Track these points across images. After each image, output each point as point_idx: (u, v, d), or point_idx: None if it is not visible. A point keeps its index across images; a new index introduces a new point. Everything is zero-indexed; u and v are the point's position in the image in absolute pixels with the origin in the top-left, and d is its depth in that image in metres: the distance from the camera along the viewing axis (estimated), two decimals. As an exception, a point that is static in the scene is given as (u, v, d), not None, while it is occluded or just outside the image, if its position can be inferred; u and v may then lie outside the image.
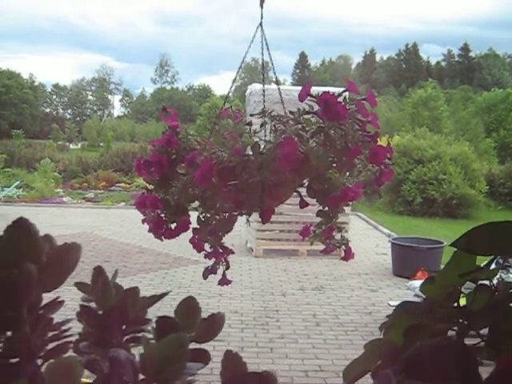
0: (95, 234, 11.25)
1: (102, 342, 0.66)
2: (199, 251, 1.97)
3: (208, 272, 2.01)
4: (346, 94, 1.76)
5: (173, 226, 1.89)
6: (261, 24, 2.82)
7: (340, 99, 1.68)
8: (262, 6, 2.71)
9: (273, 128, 1.76)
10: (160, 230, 1.87)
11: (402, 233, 11.21)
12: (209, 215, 1.88)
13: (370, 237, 11.82)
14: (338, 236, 2.11)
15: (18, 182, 18.37)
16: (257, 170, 1.58)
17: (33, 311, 0.62)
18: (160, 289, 7.54)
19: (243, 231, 10.28)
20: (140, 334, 0.64)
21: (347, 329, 6.17)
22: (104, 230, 11.89)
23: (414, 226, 13.42)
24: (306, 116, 1.71)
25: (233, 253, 2.05)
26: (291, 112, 1.77)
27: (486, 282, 0.75)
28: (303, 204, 1.78)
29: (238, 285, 7.57)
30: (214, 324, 0.71)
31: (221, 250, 1.98)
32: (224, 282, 2.07)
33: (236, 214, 1.81)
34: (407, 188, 15.66)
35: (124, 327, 0.65)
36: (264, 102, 2.60)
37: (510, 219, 0.72)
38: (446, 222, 14.48)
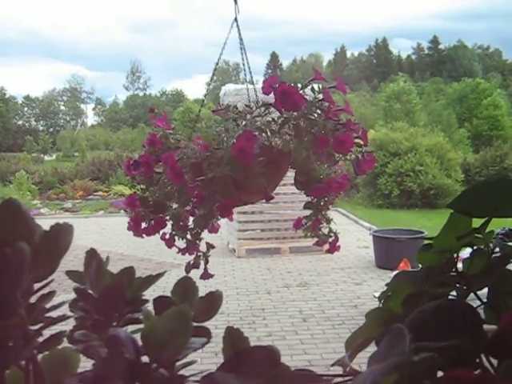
0: (76, 244, 10.91)
1: (98, 326, 0.64)
2: (169, 247, 1.97)
3: (190, 267, 2.01)
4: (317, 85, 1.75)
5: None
6: (236, 19, 2.81)
7: (309, 89, 1.68)
8: (236, 1, 2.71)
9: (233, 123, 1.76)
10: (138, 227, 1.87)
11: (383, 225, 11.27)
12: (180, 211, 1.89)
13: (350, 231, 11.86)
14: (326, 229, 2.10)
15: (-7, 196, 18.10)
16: (217, 165, 1.58)
17: (26, 297, 0.60)
18: (145, 294, 7.48)
19: (224, 232, 10.25)
20: (138, 315, 0.63)
21: (334, 323, 6.18)
22: (84, 239, 11.76)
23: (393, 219, 13.50)
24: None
25: (213, 247, 2.06)
26: (247, 105, 1.77)
27: (482, 247, 0.75)
28: (267, 198, 1.77)
29: (223, 286, 7.53)
30: (212, 303, 0.70)
31: (195, 245, 1.97)
32: (205, 276, 2.05)
33: (201, 208, 1.81)
34: (383, 181, 15.77)
35: (121, 308, 0.64)
36: (251, 96, 2.58)
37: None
38: (425, 213, 14.59)
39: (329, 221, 2.06)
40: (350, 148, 1.66)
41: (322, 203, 1.96)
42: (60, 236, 0.58)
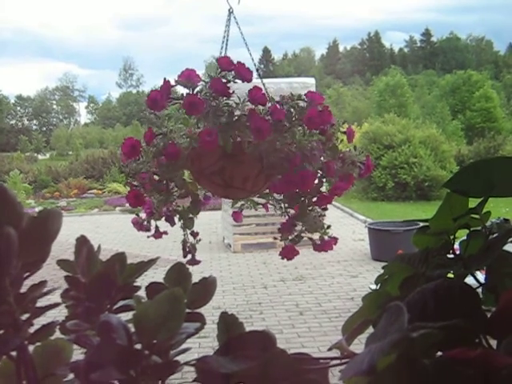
0: (70, 242, 10.87)
1: (90, 313, 0.63)
2: (138, 230, 1.96)
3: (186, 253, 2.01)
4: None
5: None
6: (229, 10, 2.79)
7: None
8: None
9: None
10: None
11: (378, 218, 11.28)
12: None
13: (346, 224, 11.86)
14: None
15: (-13, 196, 17.98)
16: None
17: (15, 286, 0.59)
18: (141, 290, 7.46)
19: (220, 228, 10.24)
20: (130, 302, 0.61)
21: (331, 315, 6.18)
22: (79, 237, 11.74)
23: (388, 211, 13.51)
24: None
25: (197, 234, 2.06)
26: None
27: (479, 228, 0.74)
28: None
29: (219, 280, 7.39)
30: (206, 289, 0.69)
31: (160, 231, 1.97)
32: (192, 262, 2.05)
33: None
34: (377, 174, 15.76)
35: (113, 295, 0.62)
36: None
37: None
38: (420, 205, 14.62)
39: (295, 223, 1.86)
40: (265, 135, 1.54)
41: (298, 202, 1.80)
42: (48, 221, 0.57)
